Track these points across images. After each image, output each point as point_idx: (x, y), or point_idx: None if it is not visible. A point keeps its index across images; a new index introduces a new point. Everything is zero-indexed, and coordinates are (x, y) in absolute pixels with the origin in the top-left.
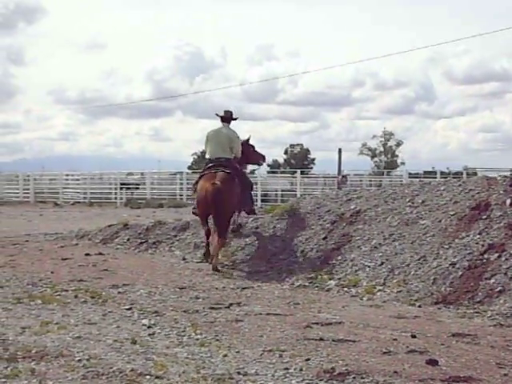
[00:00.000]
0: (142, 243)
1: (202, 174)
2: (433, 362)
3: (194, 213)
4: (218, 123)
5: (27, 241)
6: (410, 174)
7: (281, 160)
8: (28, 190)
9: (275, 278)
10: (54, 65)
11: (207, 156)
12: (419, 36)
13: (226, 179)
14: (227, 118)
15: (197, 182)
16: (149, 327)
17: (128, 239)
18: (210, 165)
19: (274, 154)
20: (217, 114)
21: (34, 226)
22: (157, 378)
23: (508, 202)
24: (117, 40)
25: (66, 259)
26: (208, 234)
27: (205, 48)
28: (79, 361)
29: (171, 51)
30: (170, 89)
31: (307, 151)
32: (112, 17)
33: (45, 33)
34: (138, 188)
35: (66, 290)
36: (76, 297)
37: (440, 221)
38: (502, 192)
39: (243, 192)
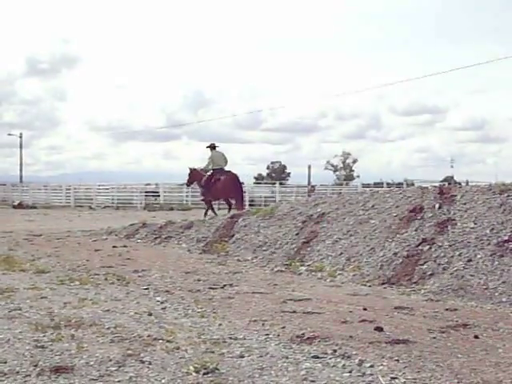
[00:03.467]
0: (156, 238)
1: (212, 174)
2: (379, 329)
3: (204, 200)
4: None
5: (68, 236)
6: (363, 184)
7: (264, 174)
8: (69, 197)
9: (259, 264)
10: (88, 101)
11: (214, 166)
12: (370, 77)
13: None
14: (215, 146)
15: (211, 180)
16: (161, 303)
17: (146, 235)
18: (218, 170)
19: (259, 169)
20: (213, 144)
21: (73, 224)
22: (168, 341)
23: (437, 206)
24: (136, 80)
25: (98, 250)
26: (211, 207)
27: (205, 87)
28: (108, 328)
29: (179, 90)
30: (178, 119)
31: (284, 167)
32: (132, 62)
33: (82, 76)
34: (158, 195)
35: (98, 274)
36: (106, 279)
37: (385, 220)
38: (432, 198)
39: None
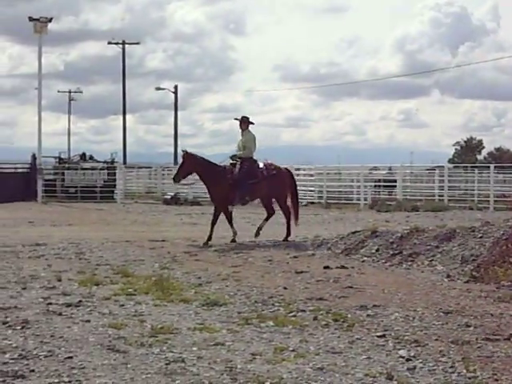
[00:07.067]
0: (394, 255)
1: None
2: None
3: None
4: None
5: (253, 249)
6: None
7: None
8: None
9: None
10: (281, 34)
11: (246, 154)
12: None
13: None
14: (250, 123)
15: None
16: (408, 360)
17: (377, 250)
18: (248, 159)
19: None
20: (246, 118)
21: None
22: None
23: None
24: (360, 1)
25: (300, 272)
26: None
27: (472, 8)
28: None
29: (428, 13)
30: (425, 62)
31: None
32: None
33: None
34: (394, 186)
35: (303, 311)
36: (315, 319)
37: None
38: None
39: None
